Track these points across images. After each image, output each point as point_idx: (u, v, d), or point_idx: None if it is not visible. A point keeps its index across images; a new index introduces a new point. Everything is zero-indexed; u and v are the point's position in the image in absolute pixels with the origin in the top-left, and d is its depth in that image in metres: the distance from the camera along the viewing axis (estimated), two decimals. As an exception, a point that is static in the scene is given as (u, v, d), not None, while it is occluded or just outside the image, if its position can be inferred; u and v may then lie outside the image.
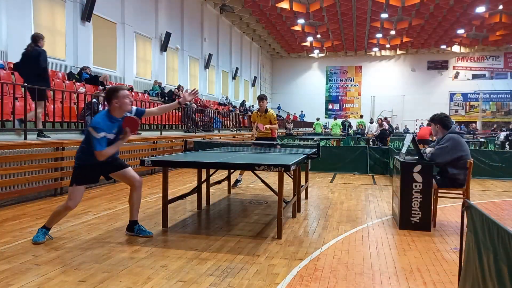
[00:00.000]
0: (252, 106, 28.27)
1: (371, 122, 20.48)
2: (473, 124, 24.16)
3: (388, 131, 16.83)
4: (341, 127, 18.84)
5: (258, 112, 7.70)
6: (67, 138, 7.59)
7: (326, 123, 26.95)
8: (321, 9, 22.82)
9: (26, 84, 6.91)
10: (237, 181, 7.83)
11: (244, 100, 26.87)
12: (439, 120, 4.91)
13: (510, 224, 5.06)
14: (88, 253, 3.69)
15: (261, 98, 7.61)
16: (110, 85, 12.21)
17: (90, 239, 4.14)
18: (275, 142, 7.75)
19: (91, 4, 12.67)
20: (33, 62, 7.01)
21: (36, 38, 7.16)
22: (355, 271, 3.33)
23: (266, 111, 7.61)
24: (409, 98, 34.37)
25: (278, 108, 34.14)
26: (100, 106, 9.03)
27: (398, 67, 35.44)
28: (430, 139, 11.83)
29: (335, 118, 18.77)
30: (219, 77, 24.88)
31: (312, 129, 24.79)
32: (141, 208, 5.69)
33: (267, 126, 7.52)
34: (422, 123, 28.03)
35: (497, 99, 33.79)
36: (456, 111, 34.18)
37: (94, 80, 11.71)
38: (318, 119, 23.83)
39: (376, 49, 34.35)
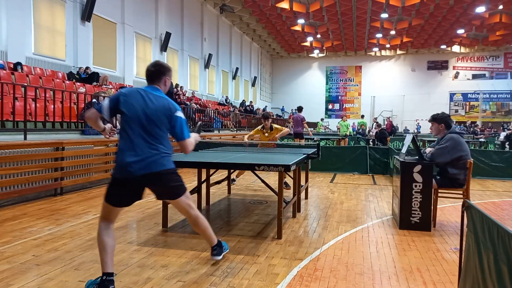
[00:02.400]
0: (252, 106, 28.23)
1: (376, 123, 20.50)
2: (478, 125, 24.12)
3: (388, 132, 16.82)
4: (349, 127, 18.63)
5: (263, 130, 7.45)
6: (67, 138, 7.59)
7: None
8: (321, 9, 22.80)
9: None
10: (232, 179, 7.88)
11: (244, 100, 26.87)
12: (444, 120, 4.91)
13: (510, 224, 5.06)
14: (88, 253, 3.69)
15: (266, 117, 7.38)
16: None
17: (90, 239, 4.14)
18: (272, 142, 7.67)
19: (91, 4, 12.67)
20: (169, 95, 9.27)
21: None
22: (355, 271, 3.33)
23: (271, 128, 7.42)
24: (409, 98, 34.34)
25: (282, 110, 34.03)
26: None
27: (398, 67, 35.41)
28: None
29: (344, 120, 18.44)
30: (219, 77, 24.87)
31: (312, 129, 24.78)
32: (141, 208, 5.70)
33: (278, 136, 7.37)
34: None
35: (497, 99, 33.76)
36: (456, 111, 34.16)
37: (92, 77, 11.75)
38: (322, 120, 23.94)
39: (376, 49, 34.31)
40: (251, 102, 25.78)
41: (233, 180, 7.94)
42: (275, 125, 7.60)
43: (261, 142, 7.53)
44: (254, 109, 25.83)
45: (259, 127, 7.70)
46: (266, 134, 7.44)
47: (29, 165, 6.03)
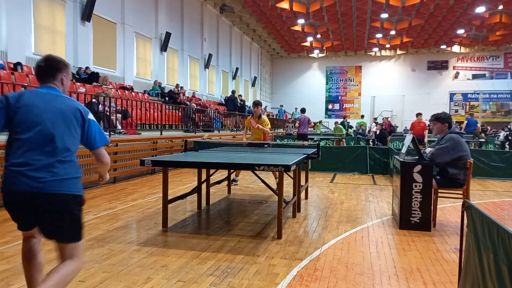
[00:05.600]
0: (240, 97, 28.05)
1: (376, 123, 20.51)
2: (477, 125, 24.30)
3: (387, 132, 16.83)
4: (343, 130, 18.74)
5: (252, 117, 7.93)
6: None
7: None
8: (321, 9, 22.79)
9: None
10: (233, 180, 8.04)
11: (244, 100, 26.83)
12: (447, 120, 4.92)
13: (510, 224, 5.06)
14: (88, 253, 3.69)
15: (256, 104, 7.94)
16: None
17: (90, 239, 4.14)
18: (265, 143, 7.92)
19: (91, 4, 12.66)
20: (232, 102, 18.95)
21: (234, 92, 19.70)
22: (355, 271, 3.33)
23: (260, 117, 7.91)
24: (409, 98, 34.32)
25: (279, 110, 33.71)
26: (100, 106, 9.03)
27: (398, 67, 35.40)
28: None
29: (336, 125, 18.49)
30: (219, 77, 24.87)
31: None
32: (141, 208, 5.70)
33: (259, 126, 7.79)
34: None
35: (497, 99, 33.73)
36: (456, 111, 34.13)
37: (92, 77, 11.76)
38: (321, 122, 23.97)
39: (376, 49, 34.30)
40: (240, 96, 22.36)
41: (234, 180, 8.01)
42: (264, 116, 8.02)
43: (251, 141, 7.78)
44: (248, 107, 25.47)
45: (249, 116, 8.14)
46: (254, 121, 7.87)
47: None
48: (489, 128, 26.63)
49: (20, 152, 2.15)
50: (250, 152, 5.94)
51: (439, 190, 4.91)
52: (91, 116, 2.36)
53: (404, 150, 5.21)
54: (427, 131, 13.48)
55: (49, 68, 2.33)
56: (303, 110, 13.73)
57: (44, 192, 2.15)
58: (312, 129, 25.09)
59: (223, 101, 21.90)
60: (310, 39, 30.49)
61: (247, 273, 3.26)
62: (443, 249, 3.98)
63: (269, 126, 8.14)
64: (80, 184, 2.30)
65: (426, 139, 12.92)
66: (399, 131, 27.21)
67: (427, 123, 14.25)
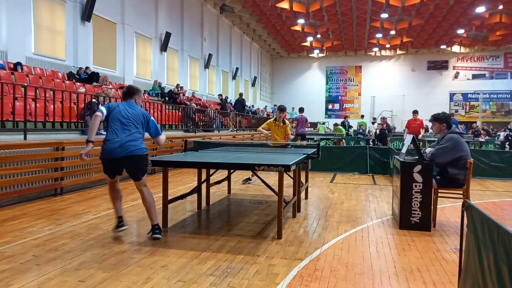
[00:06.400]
0: (252, 106, 28.19)
1: (373, 123, 20.51)
2: (477, 125, 24.32)
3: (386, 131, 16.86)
4: (343, 130, 18.76)
5: (276, 122, 7.92)
6: (67, 138, 7.59)
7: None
8: (321, 9, 22.78)
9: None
10: (248, 179, 8.25)
11: (244, 99, 26.79)
12: (445, 120, 4.91)
13: (510, 224, 5.05)
14: (88, 253, 3.69)
15: (282, 110, 7.94)
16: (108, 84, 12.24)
17: (90, 239, 4.14)
18: (285, 143, 8.10)
19: (91, 4, 12.66)
20: (240, 104, 19.75)
21: (241, 94, 20.55)
22: (355, 271, 3.33)
23: (284, 122, 7.94)
24: (409, 98, 34.28)
25: (273, 110, 33.55)
26: (100, 106, 9.02)
27: (398, 67, 35.38)
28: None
29: (336, 126, 18.49)
30: (219, 77, 24.86)
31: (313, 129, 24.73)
32: (141, 208, 5.69)
33: (291, 137, 8.06)
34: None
35: (497, 99, 33.73)
36: (456, 111, 34.13)
37: (92, 77, 11.76)
38: (324, 123, 23.92)
39: (376, 49, 34.29)
40: (220, 95, 21.86)
41: (249, 179, 8.13)
42: (287, 121, 8.06)
43: (274, 142, 7.85)
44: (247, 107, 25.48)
45: (271, 119, 8.13)
46: (278, 128, 7.90)
47: (29, 165, 6.03)
48: (490, 129, 26.82)
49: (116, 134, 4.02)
50: (250, 152, 5.94)
51: (439, 190, 4.91)
52: (151, 117, 4.29)
53: (404, 150, 5.21)
54: (423, 129, 13.41)
55: (129, 92, 4.28)
56: (301, 110, 13.67)
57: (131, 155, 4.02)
58: (312, 129, 25.10)
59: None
60: (310, 39, 30.49)
61: (247, 273, 3.26)
62: (443, 249, 3.98)
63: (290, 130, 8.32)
64: (145, 149, 4.15)
65: (420, 136, 12.85)
66: (398, 131, 27.23)
67: (424, 121, 14.23)
